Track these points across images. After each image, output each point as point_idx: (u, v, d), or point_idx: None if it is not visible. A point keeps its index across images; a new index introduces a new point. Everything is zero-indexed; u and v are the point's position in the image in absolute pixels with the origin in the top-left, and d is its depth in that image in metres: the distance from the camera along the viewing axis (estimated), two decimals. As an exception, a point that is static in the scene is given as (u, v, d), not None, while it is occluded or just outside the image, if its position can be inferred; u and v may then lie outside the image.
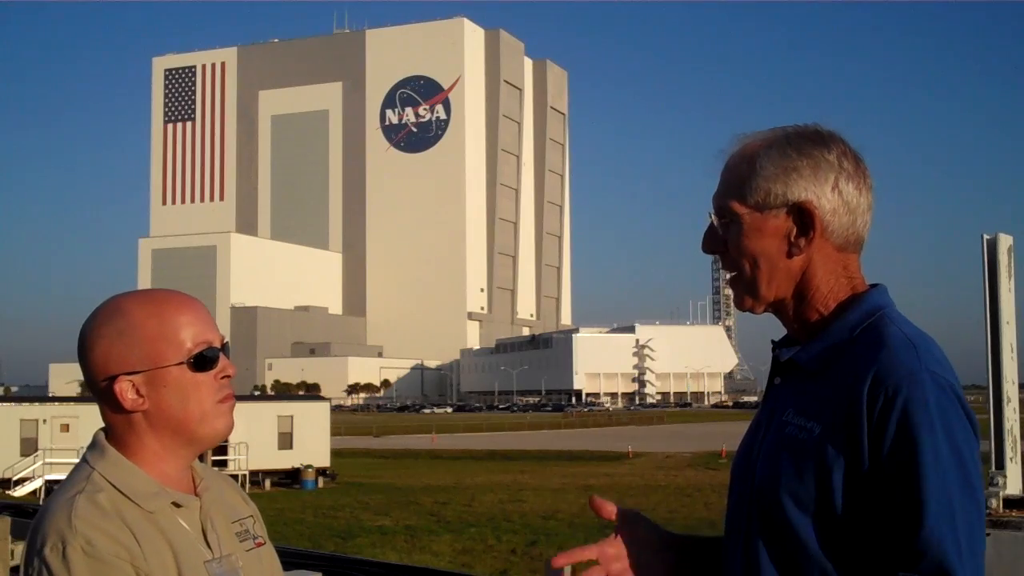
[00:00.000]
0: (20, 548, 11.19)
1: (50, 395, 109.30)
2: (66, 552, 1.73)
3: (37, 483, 38.84)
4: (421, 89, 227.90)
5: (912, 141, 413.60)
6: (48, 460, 38.84)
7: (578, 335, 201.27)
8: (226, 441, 36.06)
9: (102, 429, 1.94)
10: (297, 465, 42.59)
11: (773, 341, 1.99)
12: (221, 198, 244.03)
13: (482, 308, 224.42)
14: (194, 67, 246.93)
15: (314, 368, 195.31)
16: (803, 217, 1.87)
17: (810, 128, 1.92)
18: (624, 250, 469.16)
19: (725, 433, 65.66)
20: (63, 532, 1.75)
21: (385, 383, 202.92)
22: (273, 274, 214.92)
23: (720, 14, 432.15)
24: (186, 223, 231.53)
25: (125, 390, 1.86)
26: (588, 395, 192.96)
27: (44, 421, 40.32)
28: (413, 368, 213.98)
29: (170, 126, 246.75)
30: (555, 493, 36.96)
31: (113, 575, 1.75)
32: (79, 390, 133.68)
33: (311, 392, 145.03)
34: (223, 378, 1.94)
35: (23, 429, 40.14)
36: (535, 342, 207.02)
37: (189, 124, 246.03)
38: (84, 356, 1.91)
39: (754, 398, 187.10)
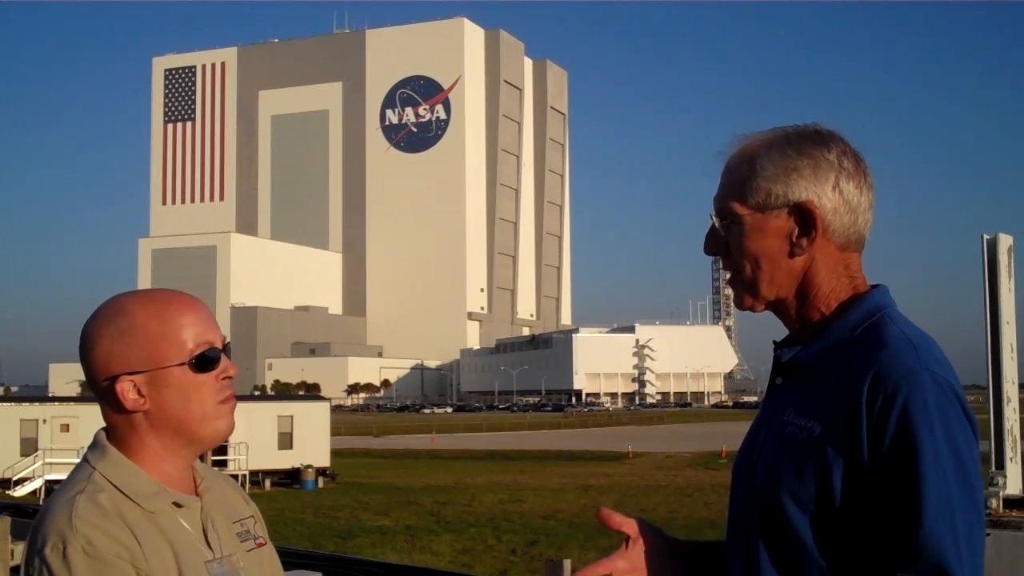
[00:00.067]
0: (20, 548, 11.19)
1: (50, 395, 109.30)
2: (67, 552, 1.73)
3: (37, 483, 38.83)
4: (421, 89, 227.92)
5: (912, 141, 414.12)
6: (48, 460, 38.83)
7: (578, 335, 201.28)
8: (226, 441, 36.06)
9: (103, 429, 1.94)
10: (297, 465, 42.58)
11: (775, 341, 1.99)
12: (221, 198, 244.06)
13: (482, 308, 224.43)
14: (194, 67, 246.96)
15: (314, 368, 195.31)
16: (804, 217, 1.87)
17: (810, 128, 1.92)
18: (624, 250, 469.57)
19: (725, 433, 65.65)
20: (64, 532, 1.75)
21: (385, 383, 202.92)
22: (273, 274, 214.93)
23: (720, 14, 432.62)
24: (186, 223, 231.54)
25: (126, 390, 1.86)
26: (588, 395, 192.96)
27: (44, 421, 40.31)
28: (413, 368, 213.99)
29: (170, 126, 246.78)
30: (555, 493, 36.96)
31: (114, 575, 1.75)
32: (79, 390, 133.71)
33: (311, 392, 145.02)
34: (224, 379, 1.94)
35: (23, 429, 40.14)
36: (535, 342, 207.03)
37: (189, 124, 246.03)
38: (85, 356, 1.90)
39: (754, 398, 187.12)
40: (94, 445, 1.91)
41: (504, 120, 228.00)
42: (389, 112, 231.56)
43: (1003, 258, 6.20)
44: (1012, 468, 6.16)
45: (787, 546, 1.81)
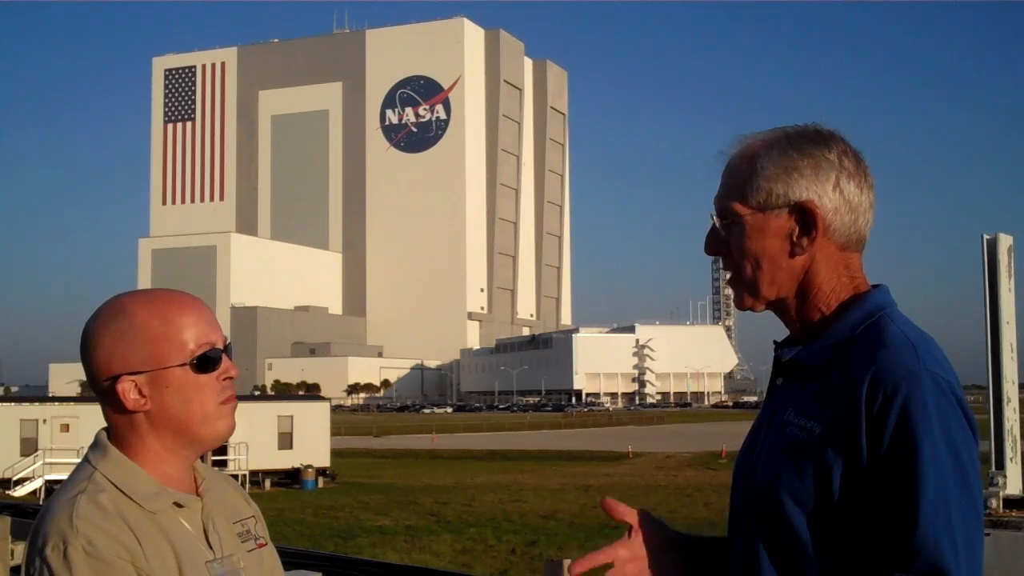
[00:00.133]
0: (20, 548, 11.19)
1: (50, 395, 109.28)
2: (67, 552, 1.73)
3: (37, 483, 38.83)
4: (421, 89, 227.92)
5: (912, 141, 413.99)
6: (48, 460, 38.83)
7: (578, 335, 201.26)
8: (226, 441, 36.04)
9: (104, 429, 1.94)
10: (297, 465, 42.58)
11: (775, 341, 1.99)
12: (221, 198, 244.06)
13: (482, 308, 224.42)
14: (194, 67, 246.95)
15: (314, 368, 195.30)
16: (805, 217, 1.88)
17: (810, 128, 1.92)
18: (624, 250, 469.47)
19: (725, 433, 65.66)
20: (64, 532, 1.75)
21: (385, 383, 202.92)
22: (273, 274, 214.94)
23: (720, 14, 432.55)
24: (186, 223, 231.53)
25: (127, 390, 1.86)
26: (588, 395, 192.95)
27: (44, 421, 40.31)
28: (413, 368, 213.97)
29: (170, 126, 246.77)
30: (555, 493, 36.96)
31: (115, 575, 1.75)
32: (79, 390, 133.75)
33: (311, 392, 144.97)
34: (226, 379, 1.94)
35: (23, 429, 40.13)
36: (535, 342, 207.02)
37: (189, 124, 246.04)
38: (87, 355, 1.89)
39: (754, 398, 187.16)
40: (95, 445, 1.91)
41: (504, 120, 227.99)
42: (389, 112, 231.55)
43: (1003, 258, 6.20)
44: (1012, 468, 6.16)
45: (787, 546, 1.81)
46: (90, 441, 1.95)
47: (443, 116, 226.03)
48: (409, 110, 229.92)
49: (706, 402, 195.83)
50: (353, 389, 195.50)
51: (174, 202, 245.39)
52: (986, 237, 6.21)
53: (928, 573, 1.68)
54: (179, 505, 1.88)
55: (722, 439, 58.67)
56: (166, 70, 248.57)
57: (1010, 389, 6.24)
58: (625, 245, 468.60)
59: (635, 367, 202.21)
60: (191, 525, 1.89)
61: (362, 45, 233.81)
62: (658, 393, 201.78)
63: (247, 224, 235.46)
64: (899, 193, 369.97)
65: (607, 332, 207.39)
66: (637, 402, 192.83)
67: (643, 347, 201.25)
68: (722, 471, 43.46)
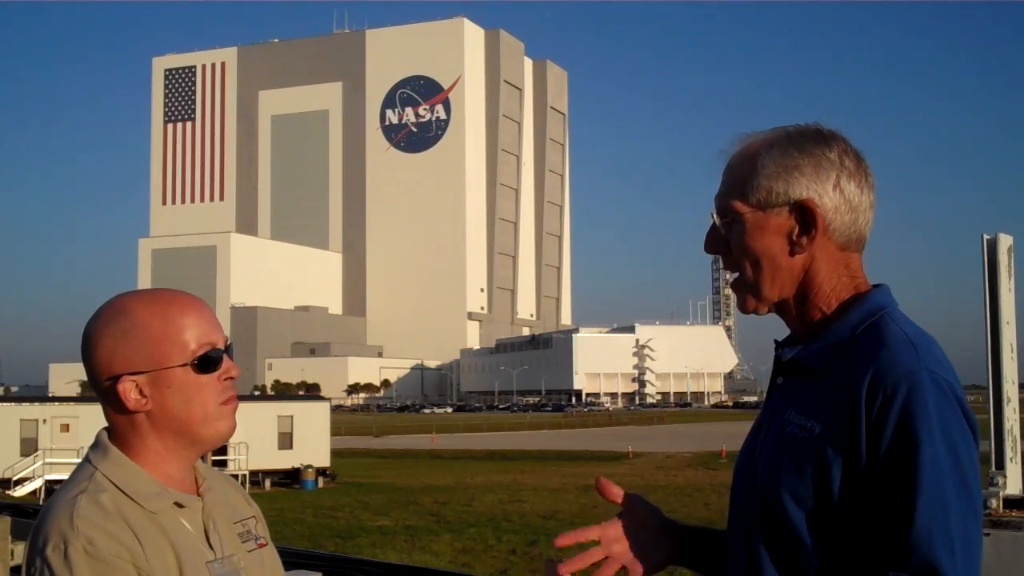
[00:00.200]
0: (20, 548, 11.19)
1: (50, 395, 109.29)
2: (68, 552, 1.73)
3: (37, 483, 38.81)
4: (421, 89, 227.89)
5: (912, 141, 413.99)
6: (48, 460, 38.82)
7: (578, 335, 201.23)
8: (227, 441, 36.04)
9: (105, 429, 1.93)
10: (297, 465, 42.57)
11: (776, 341, 1.99)
12: (221, 198, 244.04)
13: (482, 308, 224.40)
14: (194, 67, 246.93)
15: (314, 368, 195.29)
16: (805, 215, 1.87)
17: (811, 127, 1.92)
18: (624, 250, 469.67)
19: (725, 433, 65.64)
20: (65, 532, 1.75)
21: (385, 383, 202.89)
22: (273, 274, 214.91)
23: (720, 14, 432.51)
24: (186, 223, 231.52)
25: (128, 390, 1.85)
26: (588, 395, 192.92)
27: (44, 421, 40.30)
28: (413, 368, 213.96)
29: (170, 126, 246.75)
30: (555, 493, 36.95)
31: (115, 575, 1.75)
32: (79, 390, 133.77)
33: (311, 392, 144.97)
34: (226, 380, 1.93)
35: (23, 429, 40.12)
36: (535, 342, 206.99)
37: (189, 124, 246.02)
38: (88, 355, 1.88)
39: (754, 398, 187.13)
40: (96, 445, 1.91)
41: (504, 120, 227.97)
42: (389, 112, 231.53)
43: (1003, 258, 6.20)
44: (1012, 468, 6.16)
45: (787, 545, 1.81)
46: (90, 441, 1.94)
47: (443, 116, 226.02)
48: (409, 110, 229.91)
49: (706, 402, 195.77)
50: (353, 389, 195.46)
51: (174, 202, 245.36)
52: (986, 237, 6.21)
53: (923, 572, 1.68)
54: (180, 505, 1.88)
55: (722, 439, 58.65)
56: (166, 70, 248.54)
57: (1010, 389, 6.24)
58: (625, 245, 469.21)
59: (635, 367, 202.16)
60: (192, 525, 1.89)
61: (362, 45, 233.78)
62: (658, 393, 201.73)
63: (247, 224, 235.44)
64: (899, 193, 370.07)
65: (607, 332, 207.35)
66: (637, 402, 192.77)
67: (643, 347, 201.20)
68: (722, 471, 43.44)
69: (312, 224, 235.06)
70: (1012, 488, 6.13)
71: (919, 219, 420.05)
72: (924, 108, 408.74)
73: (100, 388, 1.89)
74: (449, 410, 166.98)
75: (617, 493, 2.05)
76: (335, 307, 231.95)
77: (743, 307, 1.96)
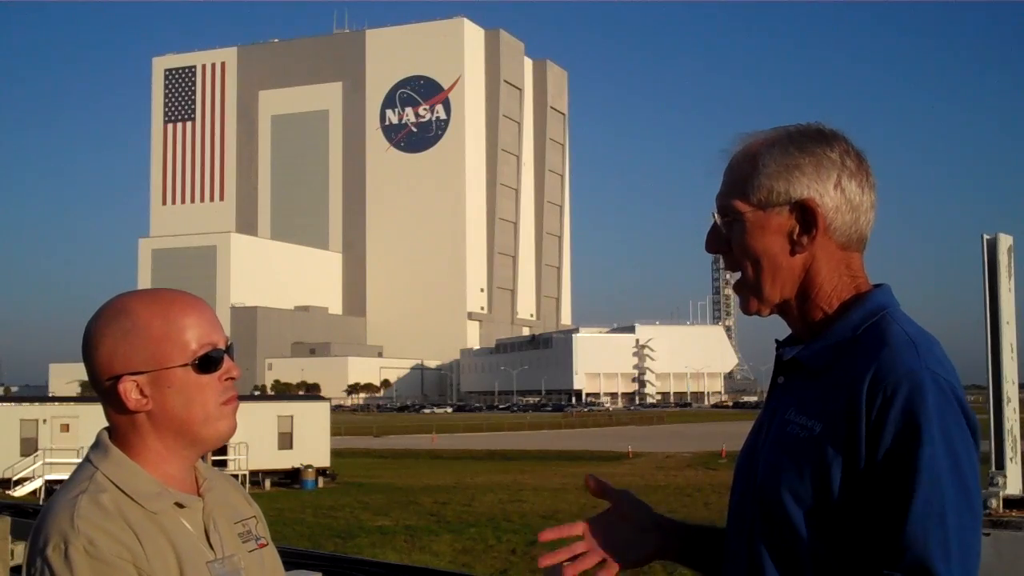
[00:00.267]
0: (20, 548, 11.18)
1: (50, 395, 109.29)
2: (68, 552, 1.73)
3: (37, 483, 38.82)
4: (421, 89, 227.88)
5: (912, 141, 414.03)
6: (48, 460, 38.82)
7: (578, 335, 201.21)
8: (227, 442, 36.01)
9: (105, 429, 1.93)
10: (297, 465, 42.57)
11: (777, 340, 1.99)
12: (221, 198, 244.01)
13: (482, 308, 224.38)
14: (194, 67, 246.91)
15: (314, 368, 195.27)
16: (805, 215, 1.87)
17: (812, 126, 1.92)
18: (624, 250, 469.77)
19: (725, 433, 65.63)
20: (66, 532, 1.75)
21: (385, 383, 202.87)
22: (273, 274, 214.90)
23: (720, 14, 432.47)
24: (186, 223, 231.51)
25: (129, 390, 1.85)
26: (588, 395, 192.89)
27: (44, 421, 40.30)
28: (413, 368, 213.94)
29: (170, 126, 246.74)
30: (555, 493, 36.94)
31: (116, 575, 1.75)
32: (79, 390, 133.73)
33: (311, 392, 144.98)
34: (227, 380, 1.93)
35: (23, 429, 40.12)
36: (535, 342, 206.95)
37: (189, 124, 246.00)
38: (88, 355, 1.88)
39: (754, 398, 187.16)
40: (96, 445, 1.91)
41: (504, 120, 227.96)
42: (389, 112, 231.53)
43: (1003, 258, 6.20)
44: (1012, 468, 6.16)
45: (788, 544, 1.81)
46: (90, 441, 1.94)
47: (443, 116, 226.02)
48: (409, 110, 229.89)
49: (706, 402, 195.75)
50: (353, 389, 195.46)
51: (174, 202, 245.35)
52: (986, 237, 6.21)
53: (915, 571, 1.68)
54: (180, 505, 1.88)
55: (722, 439, 58.65)
56: (166, 70, 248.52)
57: (1010, 389, 6.24)
58: (625, 245, 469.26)
59: (635, 367, 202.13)
60: (192, 525, 1.88)
61: (362, 45, 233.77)
62: (658, 393, 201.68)
63: (247, 224, 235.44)
64: (899, 193, 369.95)
65: (607, 332, 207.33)
66: (637, 402, 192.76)
67: (643, 347, 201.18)
68: (722, 471, 43.44)
69: (312, 224, 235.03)
70: (1012, 488, 6.13)
71: (919, 219, 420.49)
72: (924, 108, 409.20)
73: (101, 388, 1.89)
74: (449, 410, 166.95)
75: (605, 489, 2.06)
76: (335, 307, 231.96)
77: (746, 309, 1.95)
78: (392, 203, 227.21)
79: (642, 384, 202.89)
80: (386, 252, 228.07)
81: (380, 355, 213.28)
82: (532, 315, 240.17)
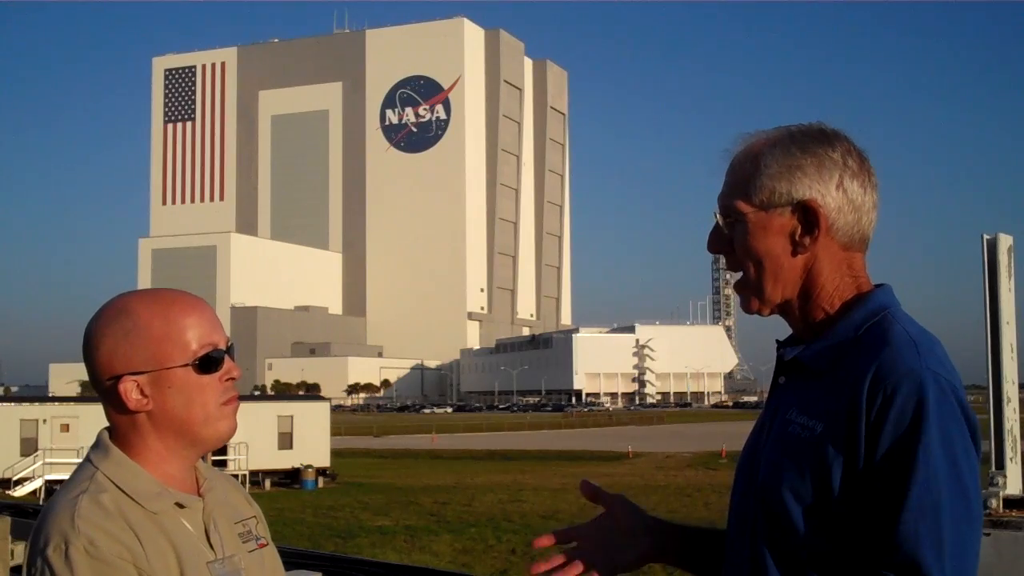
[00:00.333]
0: (20, 548, 11.18)
1: (50, 395, 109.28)
2: (69, 552, 1.74)
3: (37, 483, 38.81)
4: (421, 89, 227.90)
5: (912, 141, 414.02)
6: (48, 460, 38.81)
7: (578, 335, 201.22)
8: (227, 442, 35.97)
9: (106, 429, 1.93)
10: (297, 465, 42.57)
11: (778, 340, 1.98)
12: (221, 198, 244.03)
13: (482, 308, 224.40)
14: (194, 67, 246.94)
15: (314, 368, 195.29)
16: (808, 215, 1.87)
17: (814, 127, 1.92)
18: (624, 250, 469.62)
19: (725, 433, 65.67)
20: (66, 532, 1.75)
21: (385, 383, 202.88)
22: (273, 274, 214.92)
23: (720, 14, 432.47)
24: (186, 223, 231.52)
25: (129, 390, 1.85)
26: (588, 395, 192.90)
27: (44, 421, 40.30)
28: (413, 368, 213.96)
29: (170, 126, 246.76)
30: (555, 493, 36.92)
31: (116, 575, 1.76)
32: (79, 390, 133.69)
33: (311, 392, 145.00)
34: (228, 380, 1.93)
35: (23, 429, 40.12)
36: (535, 342, 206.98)
37: (189, 124, 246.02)
38: (89, 355, 1.89)
39: (754, 398, 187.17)
40: (97, 445, 1.91)
41: (504, 120, 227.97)
42: (389, 112, 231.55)
43: (1003, 258, 6.20)
44: (1012, 468, 6.16)
45: (790, 544, 1.81)
46: (90, 441, 1.94)
47: (443, 116, 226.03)
48: (409, 110, 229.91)
49: (706, 402, 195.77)
50: (353, 389, 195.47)
51: (174, 202, 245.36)
52: (986, 237, 6.21)
53: (907, 569, 1.68)
54: (181, 505, 1.88)
55: (722, 439, 58.68)
56: (166, 70, 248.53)
57: (1010, 389, 6.24)
58: (625, 245, 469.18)
59: (635, 367, 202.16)
60: (192, 525, 1.89)
61: (362, 45, 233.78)
62: (658, 393, 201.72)
63: (247, 224, 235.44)
64: (899, 193, 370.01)
65: (607, 332, 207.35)
66: (637, 402, 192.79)
67: (643, 347, 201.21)
68: (722, 471, 43.45)
69: (312, 224, 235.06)
70: (1012, 488, 6.13)
71: (919, 219, 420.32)
72: (924, 108, 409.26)
73: (101, 388, 1.89)
74: (449, 410, 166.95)
75: (598, 494, 2.09)
76: (335, 307, 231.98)
77: (747, 308, 1.95)
78: (392, 203, 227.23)
79: (642, 384, 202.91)
80: (386, 252, 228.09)
81: (380, 355, 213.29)
82: (532, 315, 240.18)
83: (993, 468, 6.15)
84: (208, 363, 1.89)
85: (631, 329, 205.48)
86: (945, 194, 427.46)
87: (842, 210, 1.87)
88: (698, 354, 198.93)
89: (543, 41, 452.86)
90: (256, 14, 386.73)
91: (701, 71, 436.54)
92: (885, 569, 1.70)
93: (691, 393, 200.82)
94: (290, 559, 12.76)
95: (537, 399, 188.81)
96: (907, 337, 1.79)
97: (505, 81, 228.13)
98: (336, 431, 53.63)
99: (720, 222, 1.95)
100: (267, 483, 42.26)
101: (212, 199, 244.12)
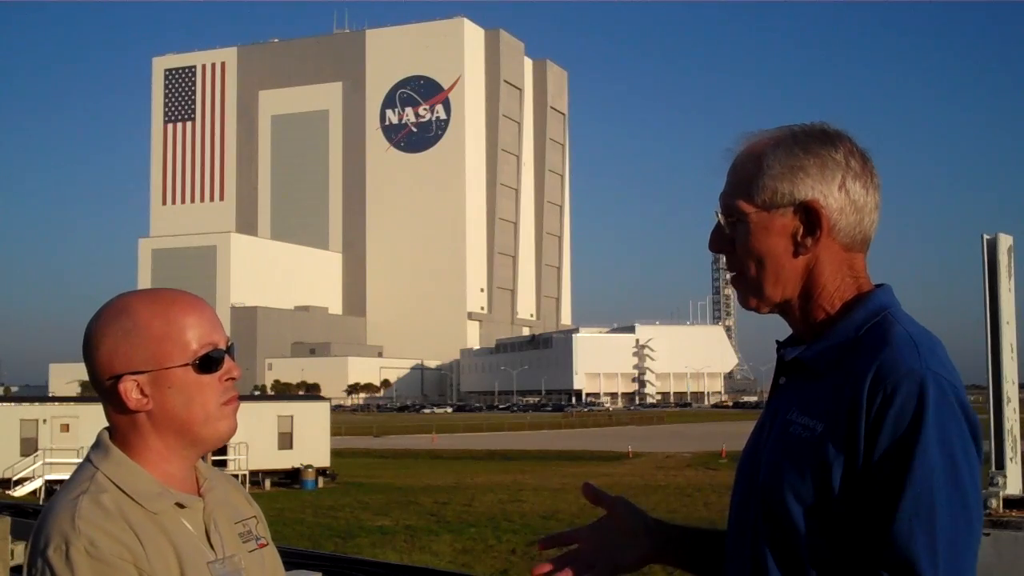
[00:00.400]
0: (20, 548, 11.19)
1: (50, 395, 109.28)
2: (69, 553, 1.74)
3: (37, 483, 38.81)
4: (421, 89, 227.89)
5: (912, 141, 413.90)
6: (48, 460, 38.81)
7: (578, 335, 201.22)
8: (228, 442, 35.93)
9: (106, 429, 1.93)
10: (297, 465, 42.56)
11: (778, 341, 1.98)
12: (221, 198, 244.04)
13: (482, 308, 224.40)
14: (194, 67, 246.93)
15: (314, 368, 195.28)
16: (810, 216, 1.87)
17: (817, 127, 1.91)
18: (624, 250, 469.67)
19: (725, 433, 65.69)
20: (67, 533, 1.75)
21: (385, 383, 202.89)
22: (273, 274, 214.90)
23: (720, 14, 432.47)
24: (186, 223, 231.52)
25: (129, 390, 1.85)
26: (588, 395, 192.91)
27: (44, 421, 40.29)
28: (413, 368, 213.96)
29: (170, 126, 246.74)
30: (555, 493, 36.92)
31: None
32: (79, 390, 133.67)
33: (311, 392, 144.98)
34: (228, 380, 1.93)
35: (23, 429, 40.11)
36: (535, 342, 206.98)
37: (189, 124, 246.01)
38: (89, 355, 1.89)
39: (754, 398, 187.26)
40: (97, 445, 1.91)
41: (504, 120, 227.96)
42: (389, 112, 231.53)
43: (1003, 258, 6.20)
44: (1012, 468, 6.17)
45: (791, 544, 1.81)
46: (90, 441, 1.94)
47: (443, 116, 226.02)
48: (409, 110, 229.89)
49: (706, 402, 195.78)
50: (353, 389, 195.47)
51: (174, 202, 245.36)
52: (986, 237, 6.22)
53: (898, 568, 1.68)
54: (181, 506, 1.88)
55: (722, 439, 58.67)
56: (166, 70, 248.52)
57: (1010, 389, 6.25)
58: (625, 245, 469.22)
59: (635, 367, 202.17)
60: (193, 526, 1.89)
61: (362, 45, 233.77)
62: (658, 393, 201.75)
63: (247, 224, 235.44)
64: (899, 193, 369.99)
65: (607, 332, 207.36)
66: (637, 402, 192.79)
67: (643, 347, 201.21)
68: (722, 471, 43.45)
69: (312, 224, 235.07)
70: (1012, 488, 6.13)
71: (919, 219, 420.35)
72: (924, 108, 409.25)
73: (101, 388, 1.89)
74: (449, 410, 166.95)
75: (600, 498, 2.09)
76: (335, 307, 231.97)
77: (744, 303, 1.95)
78: (392, 203, 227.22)
79: (642, 384, 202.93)
80: (386, 252, 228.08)
81: (380, 355, 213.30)
82: (532, 315, 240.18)
83: (993, 468, 6.15)
84: (208, 363, 1.88)
85: (631, 329, 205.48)
86: (945, 194, 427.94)
87: (844, 211, 1.87)
88: (698, 354, 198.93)
89: (543, 41, 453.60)
90: (256, 14, 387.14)
91: (701, 71, 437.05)
92: (881, 568, 1.69)
93: (691, 393, 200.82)
94: (290, 559, 12.75)
95: (537, 399, 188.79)
96: (908, 337, 1.79)
97: (505, 81, 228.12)
98: (336, 431, 53.64)
99: (722, 221, 1.94)
100: (267, 483, 42.26)
101: (212, 199, 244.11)
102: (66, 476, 1.69)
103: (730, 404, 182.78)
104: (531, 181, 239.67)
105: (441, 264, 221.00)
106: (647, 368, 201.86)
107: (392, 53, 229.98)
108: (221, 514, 1.95)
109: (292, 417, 44.39)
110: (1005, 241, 6.22)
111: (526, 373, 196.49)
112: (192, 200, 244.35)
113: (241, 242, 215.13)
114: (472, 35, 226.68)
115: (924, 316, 1.89)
